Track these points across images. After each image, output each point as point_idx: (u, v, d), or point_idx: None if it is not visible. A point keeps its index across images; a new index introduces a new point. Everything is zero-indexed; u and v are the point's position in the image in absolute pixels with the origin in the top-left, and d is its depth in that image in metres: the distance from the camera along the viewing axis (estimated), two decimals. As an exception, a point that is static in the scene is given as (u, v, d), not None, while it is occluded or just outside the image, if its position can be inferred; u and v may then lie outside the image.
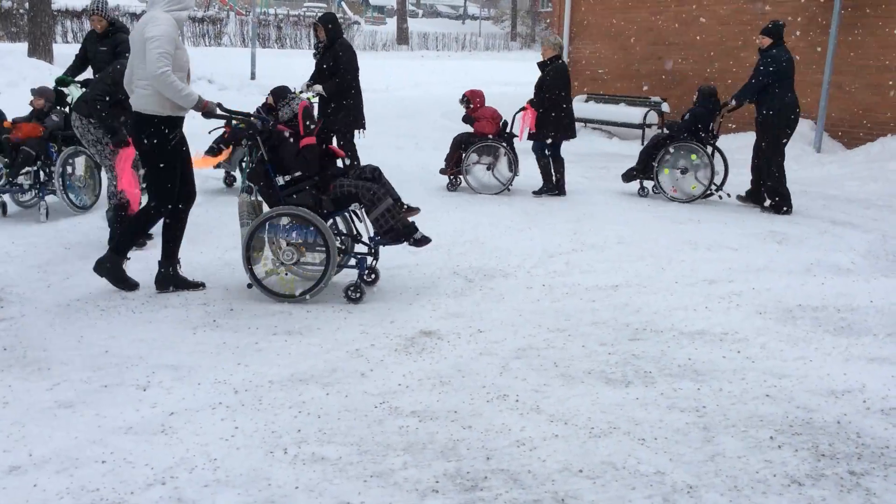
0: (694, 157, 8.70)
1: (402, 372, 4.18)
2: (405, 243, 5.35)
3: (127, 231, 5.38)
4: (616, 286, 5.69)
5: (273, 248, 5.35)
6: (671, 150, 8.76)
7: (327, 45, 8.48)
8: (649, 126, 13.15)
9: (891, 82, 11.41)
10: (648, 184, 9.18)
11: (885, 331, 4.83)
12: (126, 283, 5.35)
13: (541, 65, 8.97)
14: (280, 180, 5.34)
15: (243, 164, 8.39)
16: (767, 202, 8.42)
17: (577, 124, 14.29)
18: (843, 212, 8.33)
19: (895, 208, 8.56)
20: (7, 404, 3.74)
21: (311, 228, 5.20)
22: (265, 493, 3.04)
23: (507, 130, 9.15)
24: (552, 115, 8.81)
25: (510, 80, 21.01)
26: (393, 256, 6.27)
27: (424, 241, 5.40)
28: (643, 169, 9.07)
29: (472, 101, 9.22)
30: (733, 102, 8.49)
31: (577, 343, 4.60)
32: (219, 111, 5.19)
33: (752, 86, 8.27)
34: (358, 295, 5.29)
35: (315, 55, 8.76)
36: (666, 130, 9.15)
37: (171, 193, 5.25)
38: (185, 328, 4.77)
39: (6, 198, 7.46)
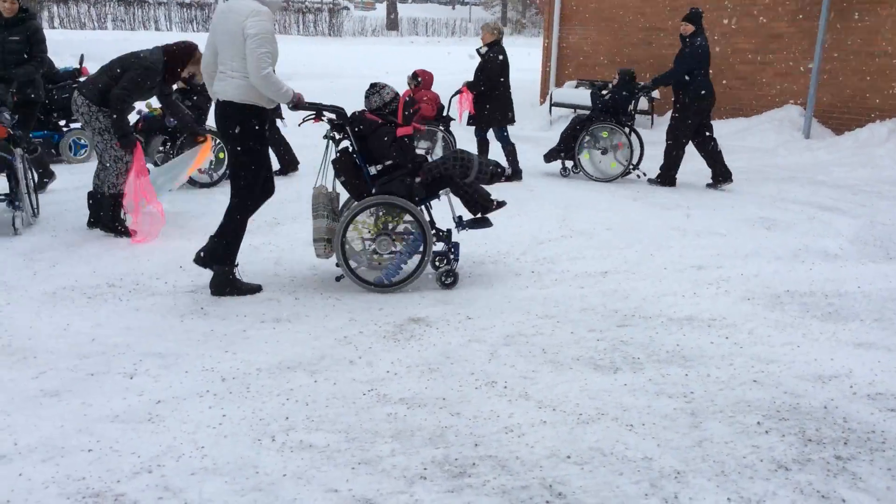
0: (605, 133, 9.10)
1: (391, 359, 4.17)
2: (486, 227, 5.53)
3: (224, 239, 5.13)
4: (605, 272, 5.69)
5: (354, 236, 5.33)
6: (590, 131, 9.15)
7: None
8: (640, 113, 13.12)
9: (879, 68, 11.42)
10: (570, 164, 9.49)
11: (873, 316, 4.85)
12: (250, 288, 5.20)
13: (480, 51, 9.01)
14: (372, 170, 5.31)
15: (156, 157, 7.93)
16: (656, 175, 9.08)
17: (566, 110, 14.27)
18: (831, 198, 8.35)
19: (883, 194, 8.58)
20: (-8, 393, 3.71)
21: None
22: (252, 481, 3.03)
23: (445, 114, 9.29)
24: (491, 103, 8.91)
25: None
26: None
27: (500, 204, 5.56)
28: (565, 149, 9.36)
29: (423, 79, 9.31)
30: (650, 85, 9.16)
31: (566, 329, 4.60)
32: (307, 103, 5.11)
33: (675, 72, 8.74)
34: (451, 280, 5.33)
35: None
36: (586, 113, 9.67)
37: (256, 186, 5.09)
38: (172, 316, 4.74)
39: None
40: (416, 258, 5.31)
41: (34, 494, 2.91)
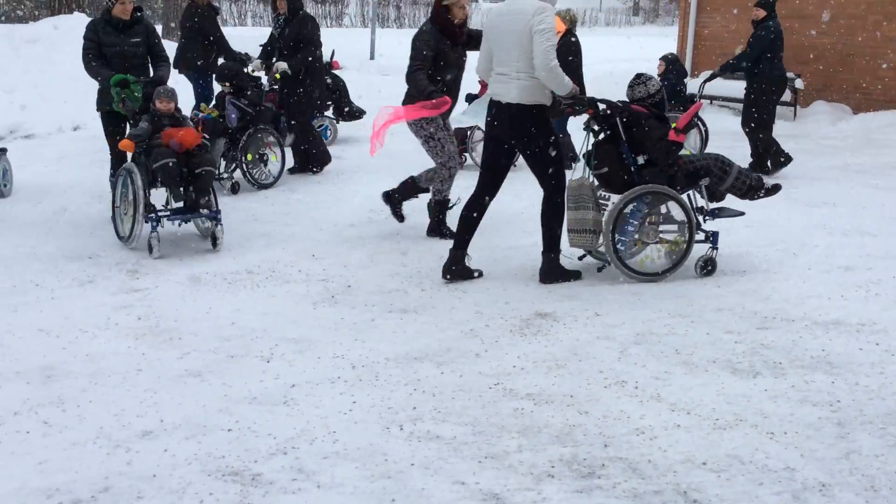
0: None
1: (517, 353, 4.14)
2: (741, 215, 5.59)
3: (551, 229, 5.30)
4: (743, 272, 5.44)
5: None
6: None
7: (288, 18, 8.09)
8: (783, 104, 12.49)
9: None
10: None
11: None
12: (574, 274, 5.36)
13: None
14: (640, 160, 5.35)
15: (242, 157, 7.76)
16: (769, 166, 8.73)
17: (703, 101, 13.73)
18: None
19: None
20: (140, 371, 3.94)
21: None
22: (382, 468, 3.08)
23: None
24: None
25: (633, 56, 20.46)
26: (507, 237, 6.22)
27: (775, 188, 5.63)
28: None
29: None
30: (717, 71, 9.09)
31: (701, 330, 4.42)
32: (582, 97, 5.30)
33: (745, 56, 8.57)
34: (710, 268, 5.40)
35: (275, 30, 8.34)
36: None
37: (564, 177, 5.30)
38: (305, 303, 4.89)
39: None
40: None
41: (178, 470, 3.06)
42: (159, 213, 5.83)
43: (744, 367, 3.95)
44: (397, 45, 22.63)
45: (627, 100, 5.44)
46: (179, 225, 6.06)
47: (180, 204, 5.99)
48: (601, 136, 5.39)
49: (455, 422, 3.45)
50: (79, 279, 5.25)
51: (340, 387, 3.78)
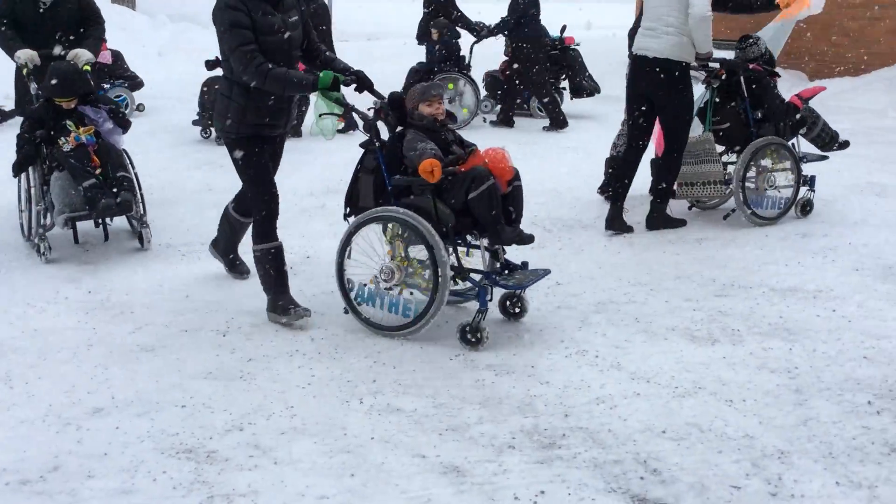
0: (451, 85, 9.20)
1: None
2: None
3: (666, 181, 5.64)
4: (701, 240, 5.46)
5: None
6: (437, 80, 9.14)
7: None
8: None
9: None
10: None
11: None
12: (679, 222, 5.69)
13: None
14: (758, 114, 5.68)
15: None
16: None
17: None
18: (948, 162, 7.79)
19: None
20: (91, 347, 3.82)
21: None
22: (341, 443, 3.03)
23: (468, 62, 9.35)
24: None
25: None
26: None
27: (846, 143, 6.23)
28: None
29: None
30: (486, 33, 9.48)
31: (661, 298, 4.43)
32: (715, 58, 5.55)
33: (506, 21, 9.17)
34: (809, 208, 5.88)
35: None
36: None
37: (689, 127, 5.53)
38: (262, 275, 4.78)
39: None
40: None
41: (130, 448, 2.98)
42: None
43: (702, 335, 3.96)
44: (356, 8, 22.25)
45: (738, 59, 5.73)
46: (97, 226, 5.23)
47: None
48: (715, 93, 5.69)
49: (416, 394, 3.41)
50: (26, 252, 5.08)
51: (298, 360, 3.71)
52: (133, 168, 5.28)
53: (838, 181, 7.03)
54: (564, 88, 10.17)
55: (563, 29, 10.12)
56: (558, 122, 9.23)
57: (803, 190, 5.86)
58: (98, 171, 4.99)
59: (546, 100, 9.32)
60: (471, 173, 3.79)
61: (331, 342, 3.89)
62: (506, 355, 3.76)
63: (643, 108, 5.54)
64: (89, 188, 4.84)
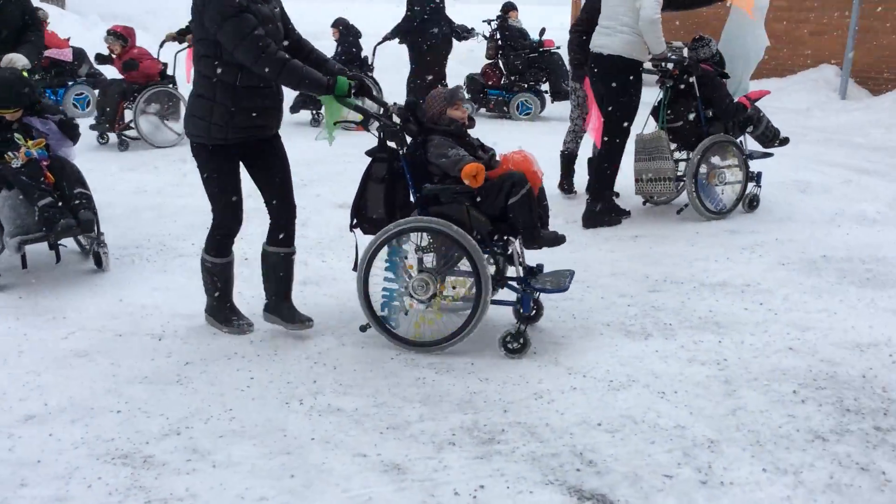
0: None
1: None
2: None
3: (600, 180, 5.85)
4: (635, 237, 5.59)
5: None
6: None
7: None
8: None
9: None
10: None
11: (912, 283, 4.72)
12: (621, 211, 5.94)
13: None
14: (709, 113, 5.92)
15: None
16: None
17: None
18: (868, 160, 8.12)
19: (922, 157, 8.34)
20: (22, 353, 3.73)
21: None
22: (281, 444, 3.02)
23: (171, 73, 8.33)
24: None
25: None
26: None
27: (786, 140, 6.49)
28: (311, 98, 9.26)
29: (129, 39, 8.09)
30: (390, 34, 8.94)
31: (596, 294, 4.53)
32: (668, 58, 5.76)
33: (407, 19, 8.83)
34: (756, 204, 6.21)
35: None
36: None
37: (627, 132, 5.71)
38: (199, 278, 4.71)
39: None
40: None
41: (64, 455, 2.92)
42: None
43: (636, 330, 4.07)
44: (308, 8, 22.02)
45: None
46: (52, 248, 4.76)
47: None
48: (669, 93, 5.91)
49: (356, 394, 3.42)
50: (-50, 257, 4.92)
51: (237, 363, 3.68)
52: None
53: (766, 179, 7.26)
54: (546, 92, 10.26)
55: (543, 32, 10.20)
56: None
57: (750, 186, 6.10)
58: (53, 188, 4.54)
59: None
60: (509, 178, 3.70)
61: (270, 344, 3.87)
62: (446, 353, 3.80)
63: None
64: (45, 208, 4.39)
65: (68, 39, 9.68)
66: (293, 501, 2.70)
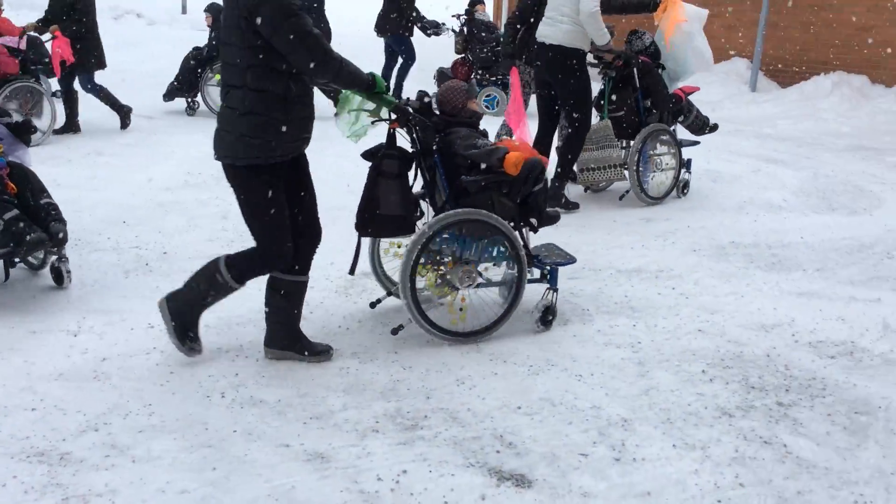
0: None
1: (343, 314, 4.15)
2: None
3: (566, 158, 6.02)
4: (557, 226, 5.68)
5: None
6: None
7: None
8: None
9: (825, 21, 11.54)
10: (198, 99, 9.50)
11: (815, 266, 4.97)
12: (572, 204, 6.08)
13: None
14: (647, 103, 6.15)
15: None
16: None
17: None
18: (776, 150, 8.49)
19: (827, 146, 8.76)
20: (-72, 353, 3.60)
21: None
22: (202, 438, 3.01)
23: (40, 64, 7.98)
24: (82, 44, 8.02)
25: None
26: (332, 198, 6.17)
27: (716, 127, 6.95)
28: (187, 85, 9.38)
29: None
30: None
31: (517, 282, 4.62)
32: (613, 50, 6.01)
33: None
34: (686, 190, 6.62)
35: None
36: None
37: (590, 112, 5.90)
38: (116, 272, 4.64)
39: None
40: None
41: (-24, 455, 2.84)
42: None
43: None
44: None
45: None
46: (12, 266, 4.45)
47: None
48: (611, 83, 6.11)
49: (279, 385, 3.42)
50: None
51: (156, 357, 3.64)
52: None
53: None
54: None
55: None
56: None
57: (682, 172, 6.42)
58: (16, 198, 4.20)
59: None
60: (535, 166, 3.82)
61: (191, 338, 3.83)
62: (369, 343, 3.83)
63: (549, 91, 6.00)
64: (12, 221, 4.05)
65: (23, 28, 8.84)
66: (215, 493, 2.69)
